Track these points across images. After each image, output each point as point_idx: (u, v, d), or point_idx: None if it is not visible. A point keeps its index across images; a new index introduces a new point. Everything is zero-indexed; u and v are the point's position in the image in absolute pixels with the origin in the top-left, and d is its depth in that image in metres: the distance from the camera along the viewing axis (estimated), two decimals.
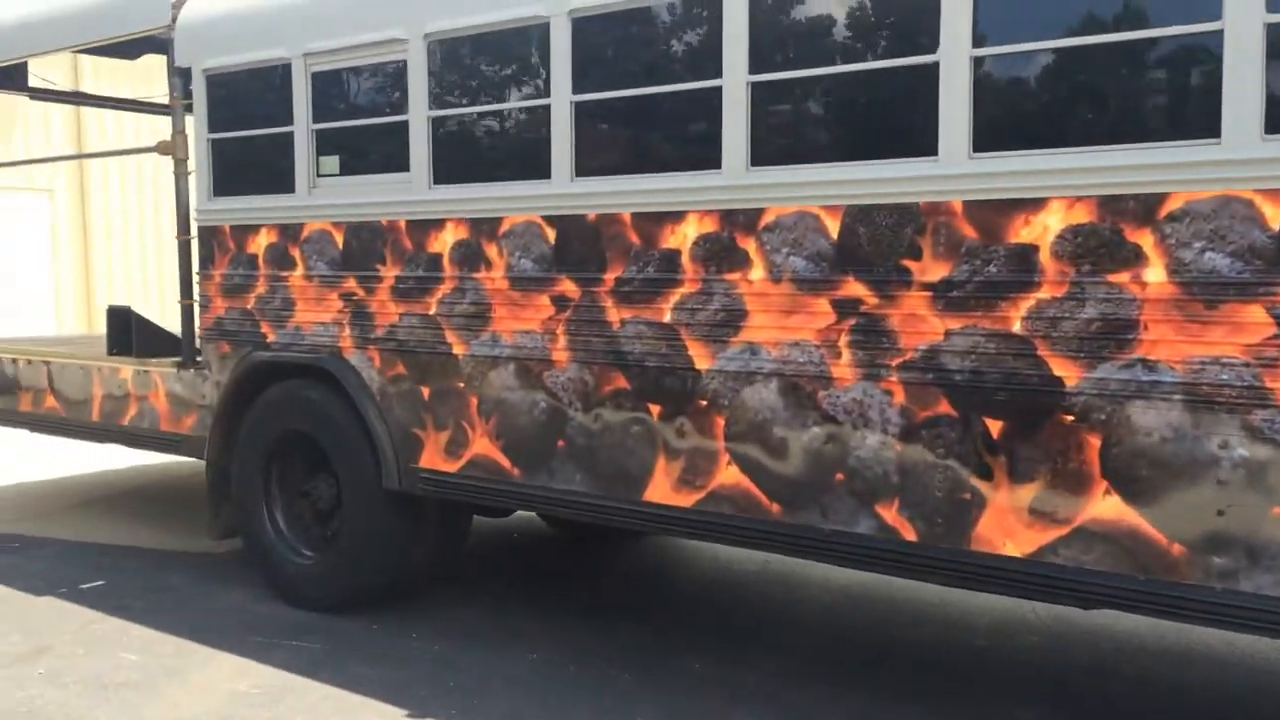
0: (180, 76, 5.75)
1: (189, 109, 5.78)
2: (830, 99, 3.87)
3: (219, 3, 5.61)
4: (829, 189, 3.72)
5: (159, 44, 6.01)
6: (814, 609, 5.43)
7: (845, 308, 3.67)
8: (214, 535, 5.94)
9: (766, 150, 3.85)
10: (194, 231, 5.89)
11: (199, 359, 5.86)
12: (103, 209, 15.38)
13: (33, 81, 7.98)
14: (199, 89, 5.64)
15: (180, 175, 5.86)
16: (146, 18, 5.76)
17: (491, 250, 4.58)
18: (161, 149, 5.88)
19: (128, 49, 6.73)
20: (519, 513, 5.75)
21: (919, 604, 5.37)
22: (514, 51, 4.52)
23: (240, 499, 5.67)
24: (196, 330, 5.80)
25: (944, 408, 3.52)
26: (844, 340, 3.69)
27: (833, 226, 3.69)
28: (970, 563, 3.54)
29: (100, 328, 7.51)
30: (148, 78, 8.51)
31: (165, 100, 8.59)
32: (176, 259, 5.96)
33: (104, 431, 6.46)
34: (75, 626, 5.10)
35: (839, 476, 3.73)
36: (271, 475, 5.61)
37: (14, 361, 6.96)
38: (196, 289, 5.84)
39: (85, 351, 6.71)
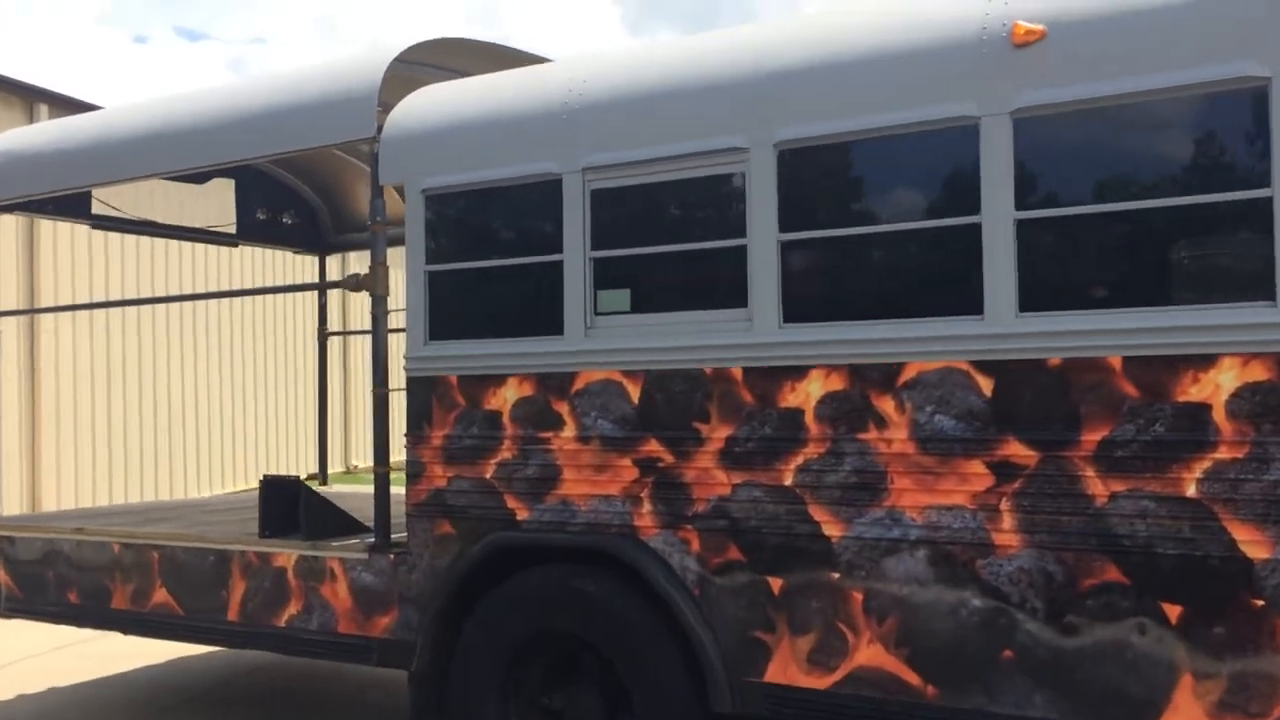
0: (381, 197, 4.77)
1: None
2: None
3: (441, 109, 4.66)
4: None
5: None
6: None
7: None
8: None
9: None
10: (393, 384, 4.83)
11: (396, 542, 4.72)
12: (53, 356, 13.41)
13: (96, 208, 6.89)
14: (415, 212, 4.63)
15: (380, 315, 4.81)
16: (343, 128, 4.77)
17: (886, 404, 3.63)
18: (356, 284, 4.83)
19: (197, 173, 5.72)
20: None
21: None
22: (915, 159, 3.66)
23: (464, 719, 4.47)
24: (406, 507, 4.66)
25: None
26: None
27: None
28: None
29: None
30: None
31: (231, 228, 7.76)
32: (372, 417, 4.84)
33: (246, 635, 5.17)
34: None
35: None
36: (510, 689, 4.44)
37: (105, 545, 5.64)
38: (399, 454, 4.73)
39: (219, 533, 5.46)
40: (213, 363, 14.79)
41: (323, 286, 5.09)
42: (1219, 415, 3.14)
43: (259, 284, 14.94)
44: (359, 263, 13.66)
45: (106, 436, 13.15)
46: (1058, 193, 3.43)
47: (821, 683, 3.75)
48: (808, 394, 3.77)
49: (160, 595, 5.44)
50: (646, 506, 4.07)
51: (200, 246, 13.89)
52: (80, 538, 5.68)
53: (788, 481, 3.79)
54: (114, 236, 12.60)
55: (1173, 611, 3.21)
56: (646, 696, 4.07)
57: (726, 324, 3.94)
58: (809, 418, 3.76)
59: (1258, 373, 3.08)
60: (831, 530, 3.72)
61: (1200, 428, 3.16)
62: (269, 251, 14.39)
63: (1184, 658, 3.20)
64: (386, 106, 4.73)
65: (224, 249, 14.08)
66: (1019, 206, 3.41)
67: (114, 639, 6.47)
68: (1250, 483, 3.09)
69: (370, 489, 5.01)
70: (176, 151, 5.15)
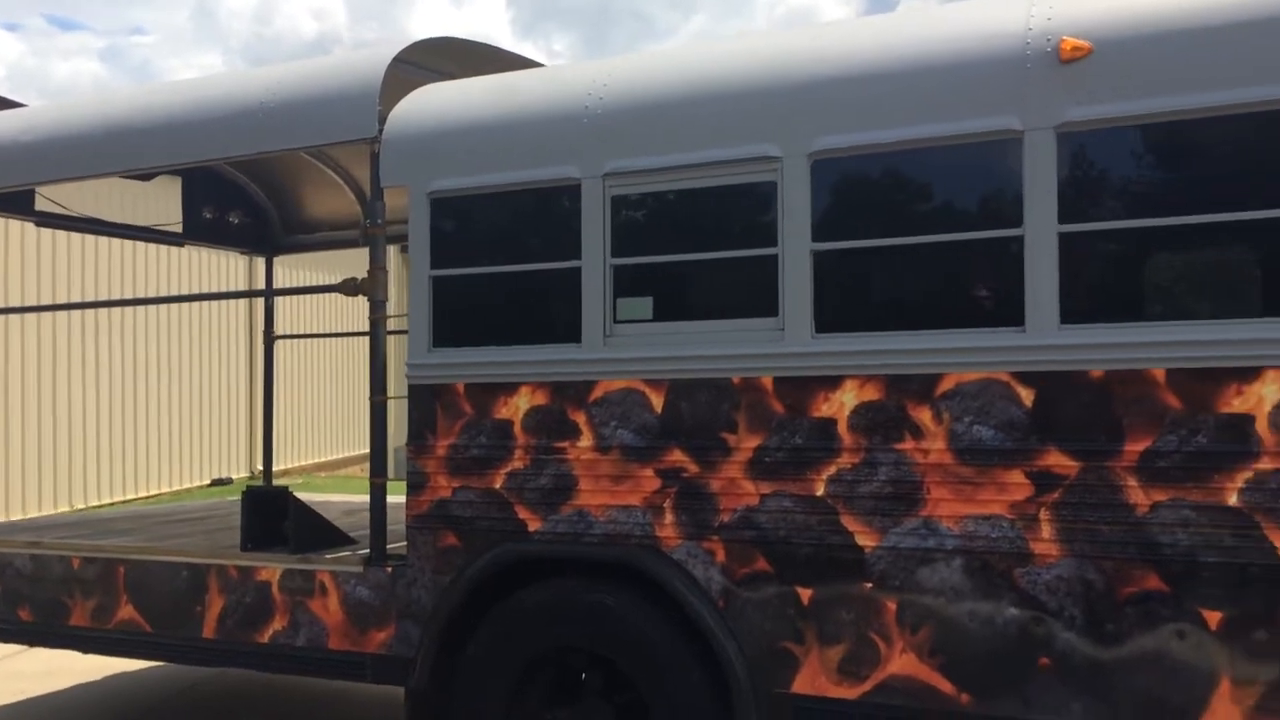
0: (381, 198, 4.62)
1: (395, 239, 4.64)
2: None
3: (447, 109, 4.54)
4: None
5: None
6: None
7: None
8: None
9: None
10: (394, 391, 4.68)
11: (393, 554, 4.57)
12: None
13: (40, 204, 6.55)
14: (419, 215, 4.50)
15: (379, 320, 4.65)
16: (344, 126, 4.61)
17: (923, 415, 3.64)
18: (354, 289, 4.67)
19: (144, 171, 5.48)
20: None
21: None
22: (952, 171, 3.69)
23: None
24: (406, 518, 4.50)
25: None
26: None
27: None
28: None
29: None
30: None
31: (178, 228, 7.46)
32: (369, 424, 4.68)
33: (223, 653, 4.94)
34: None
35: None
36: (517, 708, 4.33)
37: (64, 559, 5.33)
38: (398, 462, 4.58)
39: (195, 545, 5.20)
40: (126, 367, 14.20)
41: (322, 290, 4.90)
42: (1262, 426, 3.23)
43: (176, 287, 14.43)
44: (301, 265, 13.28)
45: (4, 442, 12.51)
46: (1100, 206, 3.50)
47: (851, 693, 3.74)
48: (841, 404, 3.76)
49: (126, 612, 5.16)
50: (669, 517, 4.01)
51: (110, 244, 13.39)
52: (36, 551, 5.36)
53: (819, 492, 3.78)
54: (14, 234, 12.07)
55: (1212, 618, 3.29)
56: (668, 711, 4.01)
57: (756, 333, 3.92)
58: (842, 428, 3.75)
59: None
60: (865, 540, 3.72)
61: (1243, 439, 3.25)
62: (184, 253, 14.00)
63: (1223, 664, 3.28)
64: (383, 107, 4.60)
65: (127, 249, 13.64)
66: (1062, 220, 3.46)
67: (32, 656, 6.11)
68: None
69: (340, 498, 4.86)
70: (156, 146, 4.91)
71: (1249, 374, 3.25)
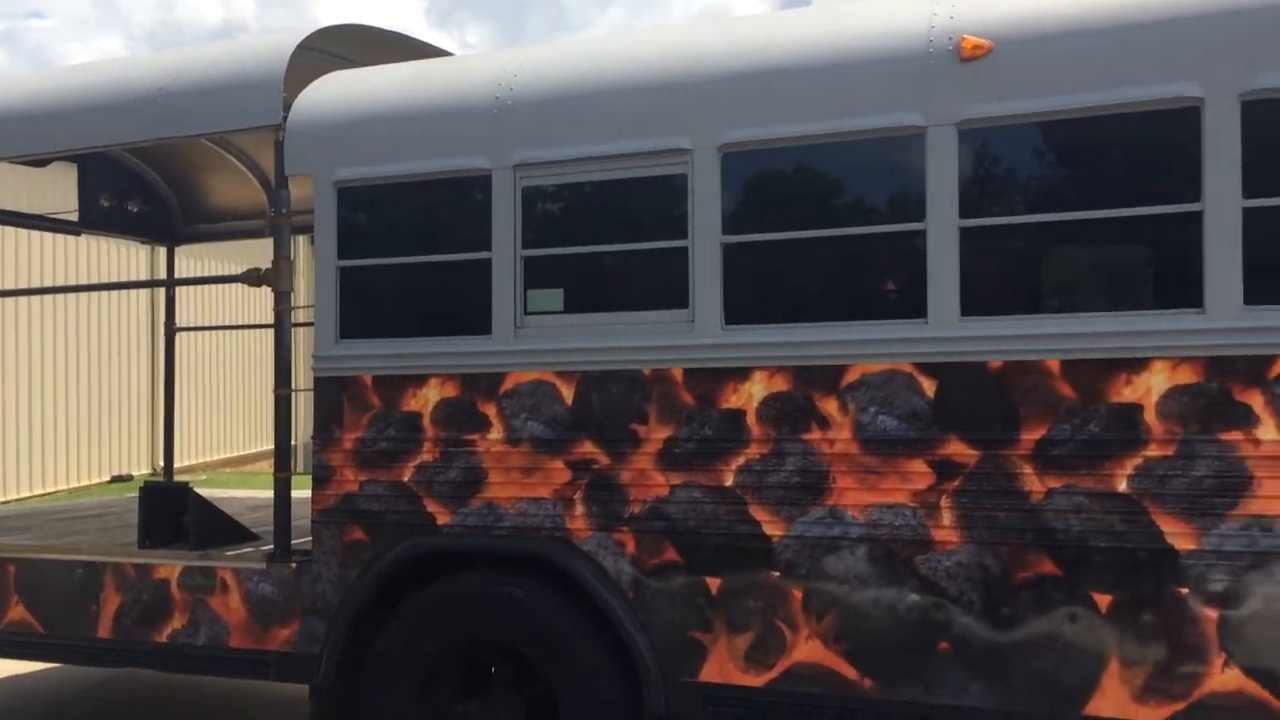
0: (285, 187, 4.53)
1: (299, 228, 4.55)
2: None
3: (355, 97, 4.47)
4: None
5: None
6: None
7: None
8: None
9: (1264, 288, 3.29)
10: (299, 383, 4.60)
11: (298, 550, 4.49)
12: None
13: None
14: (325, 204, 4.42)
15: (283, 312, 4.56)
16: (247, 113, 4.50)
17: (829, 406, 3.70)
18: (258, 279, 4.57)
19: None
20: None
21: None
22: (858, 166, 3.75)
23: None
24: (311, 513, 4.42)
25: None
26: None
27: None
28: None
29: None
30: None
31: (74, 215, 7.22)
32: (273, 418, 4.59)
33: (120, 653, 4.79)
34: None
35: None
36: (426, 702, 4.29)
37: None
38: (305, 456, 4.49)
39: (91, 543, 5.04)
40: (21, 360, 13.70)
41: (225, 280, 4.77)
42: (1150, 415, 3.35)
43: (75, 278, 13.95)
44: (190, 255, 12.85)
45: None
46: (999, 201, 3.59)
47: (758, 680, 3.79)
48: (750, 395, 3.80)
49: (17, 612, 4.98)
50: (579, 509, 4.01)
51: (4, 233, 12.88)
52: None
53: (728, 482, 3.81)
54: None
55: (1103, 601, 3.40)
56: (577, 702, 4.01)
57: (667, 325, 3.94)
58: (751, 419, 3.79)
59: (1186, 376, 3.31)
60: (772, 530, 3.76)
61: (1132, 427, 3.37)
62: (83, 243, 13.53)
63: (1113, 645, 3.39)
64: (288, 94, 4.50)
65: (22, 238, 13.13)
66: (963, 215, 3.55)
67: None
68: (1178, 478, 3.32)
69: (245, 494, 4.76)
70: (51, 131, 4.74)
71: (1138, 364, 3.37)
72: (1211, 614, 3.28)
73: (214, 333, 15.52)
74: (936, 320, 3.58)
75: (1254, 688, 3.24)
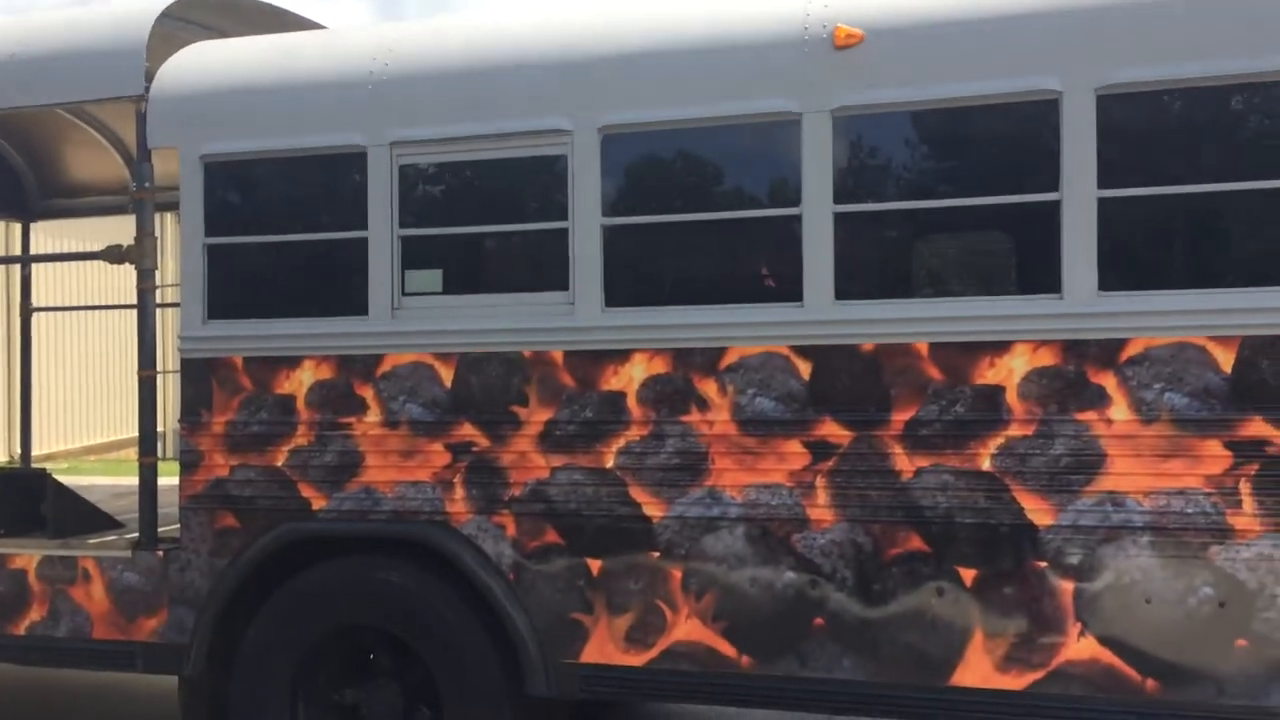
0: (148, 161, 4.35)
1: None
2: None
3: (222, 69, 4.31)
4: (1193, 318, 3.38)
5: None
6: None
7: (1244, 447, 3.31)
8: None
9: (1117, 274, 3.44)
10: (168, 364, 4.44)
11: (164, 537, 4.34)
12: None
13: None
14: (192, 180, 4.26)
15: (147, 290, 4.39)
16: (106, 83, 4.30)
17: (708, 387, 3.74)
18: (119, 256, 4.38)
19: None
20: None
21: None
22: (736, 150, 3.80)
23: None
24: (179, 499, 4.27)
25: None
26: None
27: (1224, 358, 3.34)
28: None
29: None
30: None
31: None
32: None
33: None
34: None
35: None
36: (302, 690, 4.21)
37: None
38: (174, 437, 4.34)
39: None
40: None
41: (83, 257, 4.56)
42: (1011, 396, 3.49)
43: None
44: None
45: None
46: (872, 188, 3.68)
47: (638, 660, 3.82)
48: (630, 377, 3.82)
49: None
50: (459, 492, 3.98)
51: None
52: None
53: (609, 464, 3.83)
54: None
55: (968, 576, 3.54)
56: (457, 686, 3.99)
57: (547, 307, 3.92)
58: (631, 401, 3.81)
59: (1046, 358, 3.46)
60: (652, 510, 3.80)
61: (995, 408, 3.50)
62: None
63: (977, 618, 3.53)
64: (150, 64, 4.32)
65: None
66: (836, 200, 3.62)
67: None
68: (1037, 457, 3.46)
69: (109, 481, 4.59)
70: None
71: (1001, 347, 3.50)
72: (1068, 586, 3.44)
73: (75, 315, 14.82)
74: (812, 304, 3.65)
75: (1107, 655, 3.41)
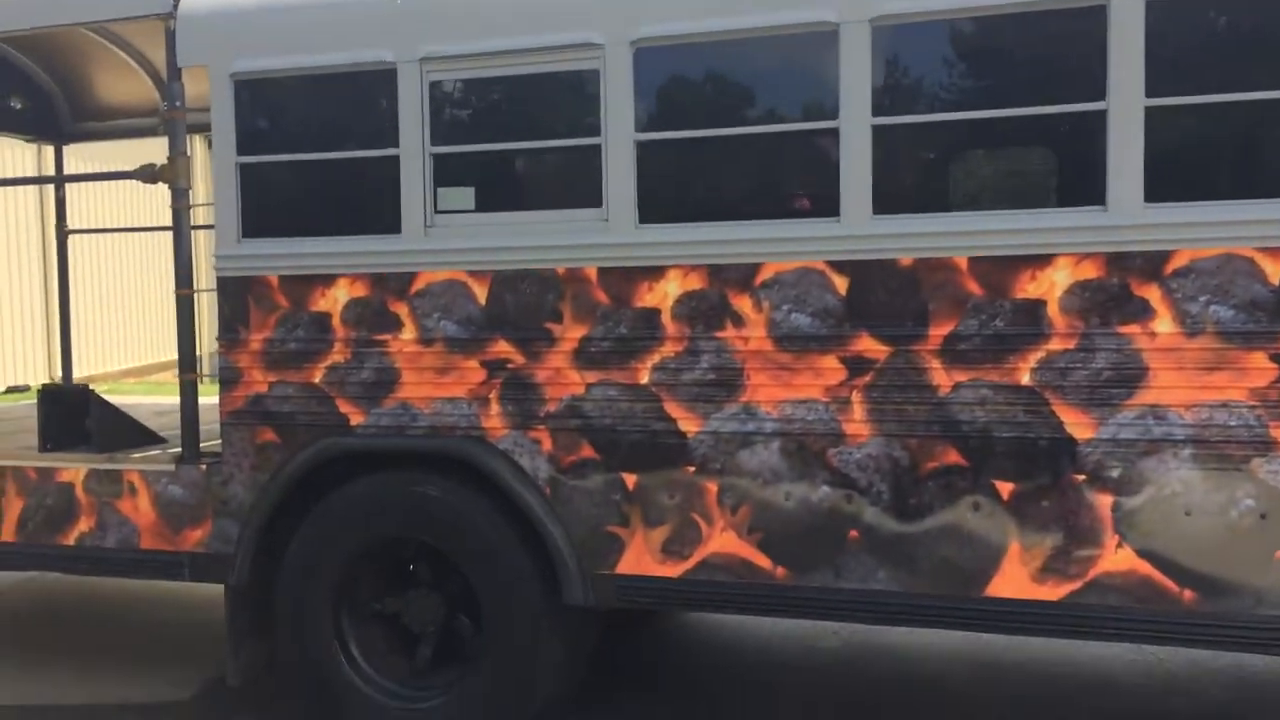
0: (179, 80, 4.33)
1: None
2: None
3: None
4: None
5: None
6: None
7: None
8: (235, 679, 4.47)
9: (1163, 185, 3.37)
10: (203, 284, 4.47)
11: (206, 452, 4.41)
12: None
13: None
14: (223, 99, 4.24)
15: (181, 210, 4.40)
16: (132, 0, 4.27)
17: (743, 304, 3.73)
18: (152, 175, 4.39)
19: None
20: None
21: None
22: (771, 63, 3.72)
23: (294, 632, 4.30)
24: (220, 415, 4.33)
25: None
26: None
27: (1272, 269, 3.27)
28: None
29: None
30: None
31: None
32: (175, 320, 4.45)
33: (28, 556, 4.70)
34: None
35: None
36: (344, 600, 4.30)
37: None
38: (211, 360, 4.39)
39: None
40: None
41: (117, 176, 4.56)
42: (1053, 310, 3.45)
43: None
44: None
45: None
46: (911, 100, 3.60)
47: (674, 571, 3.87)
48: (665, 293, 3.81)
49: None
50: (495, 408, 4.00)
51: None
52: None
53: (644, 380, 3.83)
54: None
55: (1005, 489, 3.53)
56: (495, 596, 4.06)
57: (580, 224, 3.90)
58: (666, 317, 3.80)
59: (1088, 271, 3.41)
60: (688, 426, 3.81)
61: (1035, 322, 3.46)
62: None
63: (1013, 531, 3.54)
64: None
65: None
66: (875, 112, 3.55)
67: None
68: (1078, 370, 3.43)
69: (151, 400, 4.65)
70: None
71: (1042, 260, 3.45)
72: (1107, 499, 3.43)
73: (111, 238, 14.94)
74: (849, 218, 3.61)
75: (1145, 567, 3.41)
